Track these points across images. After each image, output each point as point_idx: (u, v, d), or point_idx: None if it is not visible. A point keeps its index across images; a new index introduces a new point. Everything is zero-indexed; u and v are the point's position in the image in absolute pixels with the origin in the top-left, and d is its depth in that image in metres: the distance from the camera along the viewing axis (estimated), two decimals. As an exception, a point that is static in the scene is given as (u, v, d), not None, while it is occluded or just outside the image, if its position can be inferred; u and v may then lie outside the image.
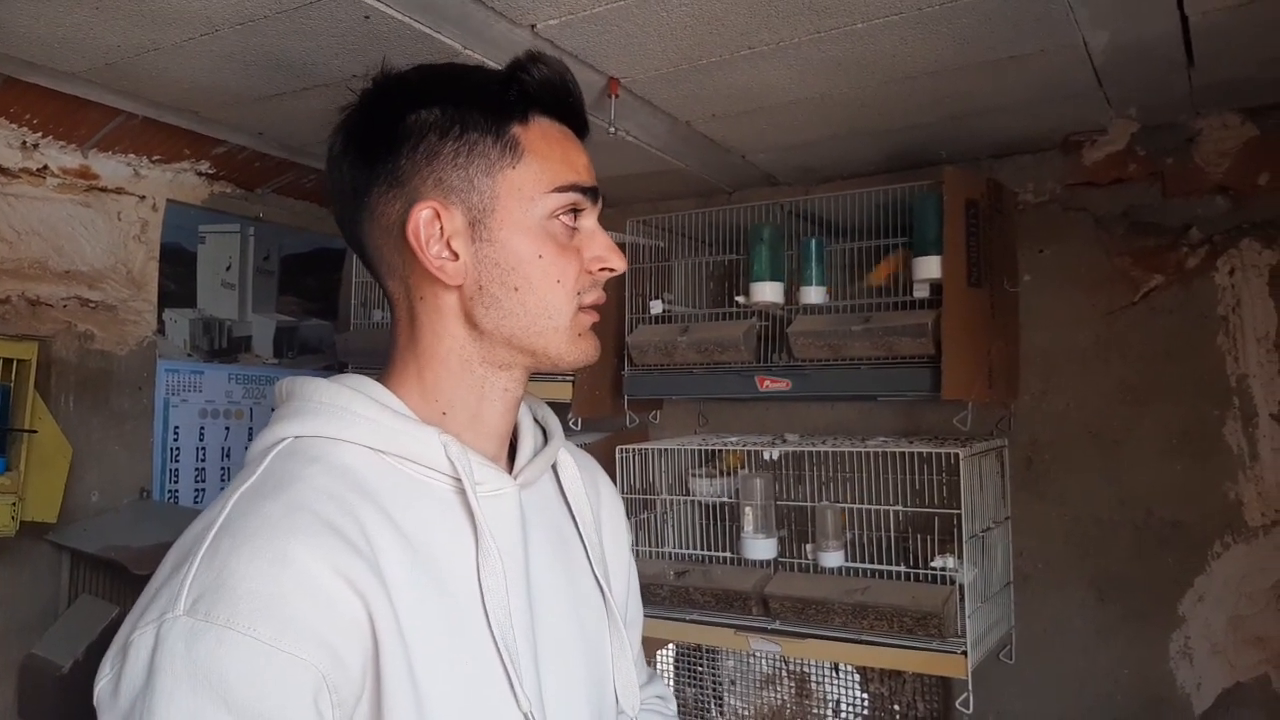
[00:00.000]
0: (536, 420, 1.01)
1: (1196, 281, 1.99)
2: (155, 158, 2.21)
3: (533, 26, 1.47)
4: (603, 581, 1.00)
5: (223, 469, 2.52)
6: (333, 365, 2.76)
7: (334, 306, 2.77)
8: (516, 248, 0.86)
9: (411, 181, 0.86)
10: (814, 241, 2.05)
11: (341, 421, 0.84)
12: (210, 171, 2.34)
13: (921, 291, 1.88)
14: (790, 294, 2.09)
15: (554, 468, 1.01)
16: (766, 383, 2.02)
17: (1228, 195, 1.96)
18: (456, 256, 0.86)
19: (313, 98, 1.80)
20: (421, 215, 0.85)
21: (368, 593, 0.74)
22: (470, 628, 0.81)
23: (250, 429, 2.60)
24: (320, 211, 2.68)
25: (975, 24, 1.49)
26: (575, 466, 1.03)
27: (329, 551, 0.73)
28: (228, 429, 2.54)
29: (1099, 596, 2.03)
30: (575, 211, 0.89)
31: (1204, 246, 1.98)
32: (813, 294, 2.04)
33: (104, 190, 2.19)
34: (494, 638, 0.81)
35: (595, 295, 0.91)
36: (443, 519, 0.84)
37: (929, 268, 1.85)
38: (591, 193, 0.90)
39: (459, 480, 0.84)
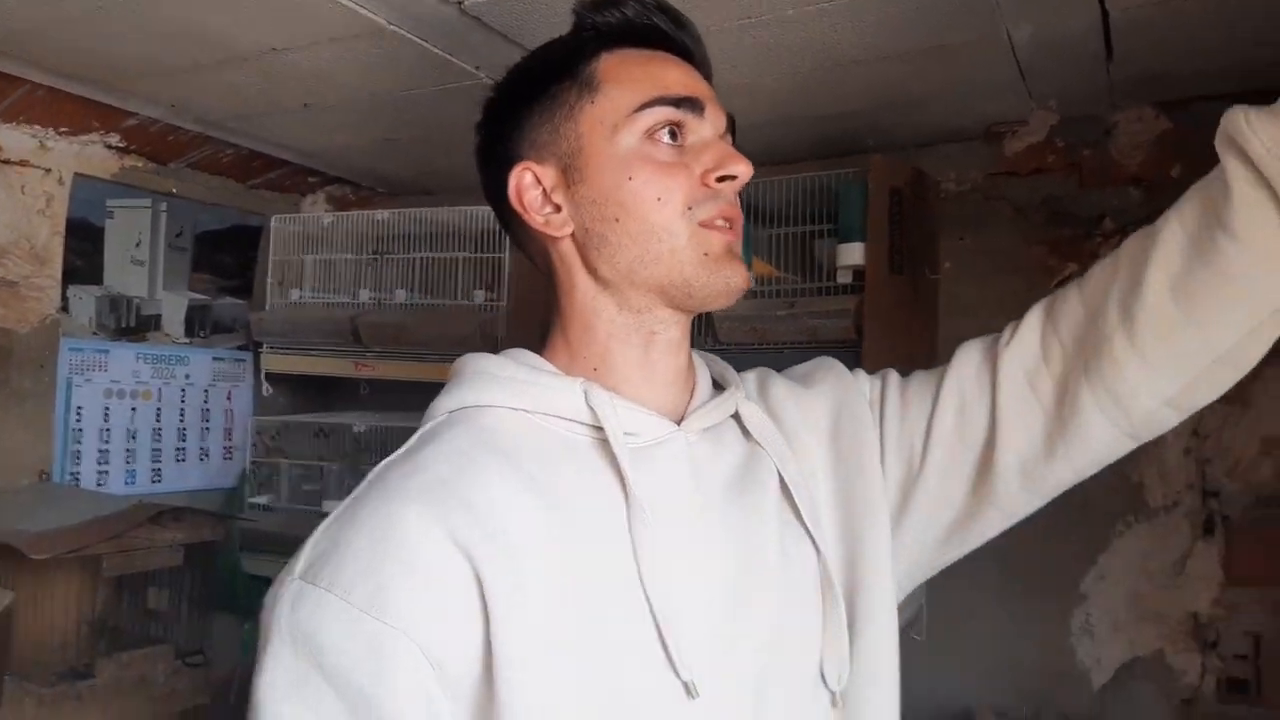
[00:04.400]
0: (714, 377, 0.94)
1: (1108, 271, 2.04)
2: (62, 130, 2.11)
3: (459, 2, 1.44)
4: (817, 537, 0.88)
5: (128, 450, 2.44)
6: (246, 345, 2.70)
7: (250, 285, 2.70)
8: (606, 178, 0.82)
9: (512, 154, 0.86)
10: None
11: (483, 387, 0.82)
12: (120, 145, 2.25)
13: (845, 277, 1.90)
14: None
15: (740, 421, 0.91)
16: (693, 367, 2.01)
17: (1141, 186, 2.01)
18: (559, 209, 0.84)
19: (230, 70, 1.74)
20: (522, 179, 0.84)
21: (480, 555, 0.70)
22: (620, 589, 0.75)
23: (158, 409, 2.52)
24: (237, 187, 2.60)
25: (904, 13, 1.50)
26: (759, 411, 0.91)
27: (439, 511, 0.71)
28: (134, 410, 2.45)
29: (1006, 575, 2.08)
30: (674, 128, 0.83)
31: (1116, 236, 2.04)
32: (739, 279, 2.04)
33: (6, 162, 2.09)
34: (647, 599, 0.75)
35: (716, 208, 0.82)
36: (590, 474, 0.79)
37: (853, 254, 1.87)
38: (689, 103, 0.83)
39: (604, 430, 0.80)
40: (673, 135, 0.82)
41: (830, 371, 0.99)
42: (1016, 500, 0.90)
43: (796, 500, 0.88)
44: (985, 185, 2.16)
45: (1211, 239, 0.78)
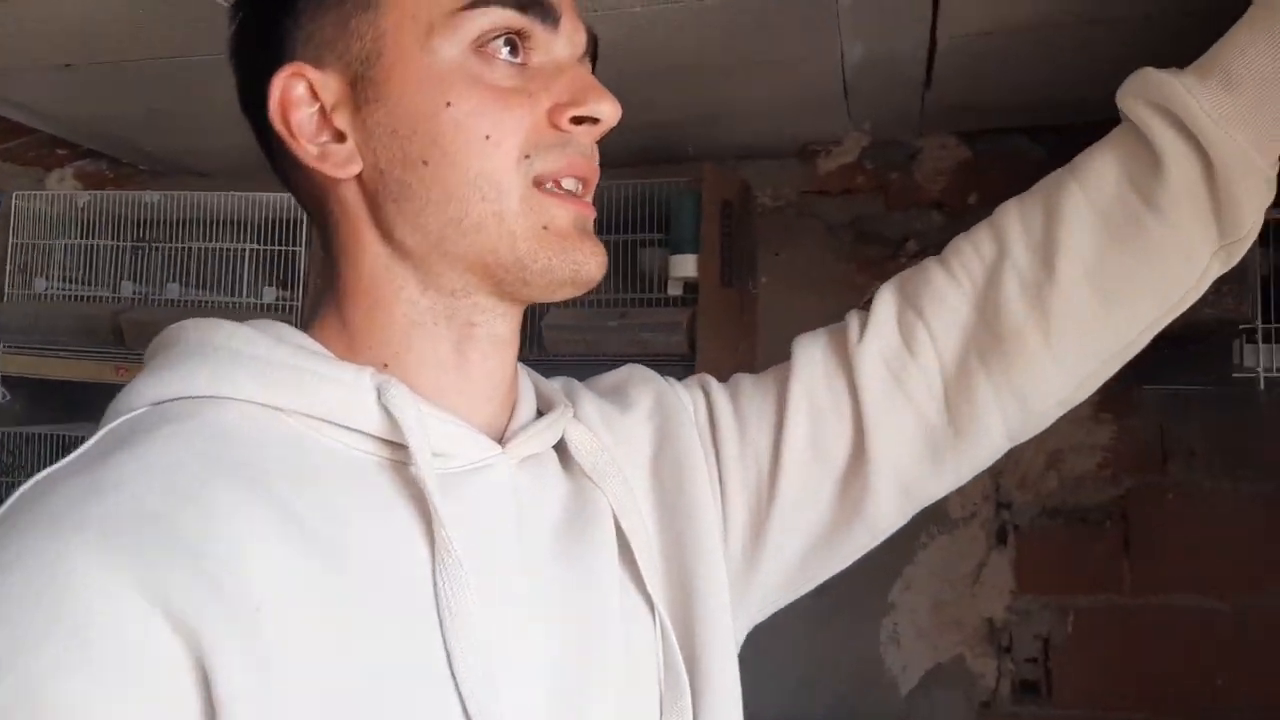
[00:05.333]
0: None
1: (912, 291, 2.12)
2: None
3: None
4: (655, 597, 0.69)
5: None
6: (-21, 344, 2.32)
7: (-18, 272, 2.34)
8: (415, 101, 0.58)
9: (280, 50, 0.61)
10: (568, 232, 1.97)
11: (217, 368, 0.56)
12: None
13: (676, 289, 1.87)
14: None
15: (561, 450, 0.71)
16: (511, 377, 1.92)
17: (942, 210, 2.11)
18: (343, 138, 0.60)
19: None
20: (289, 88, 0.59)
21: (210, 634, 0.46)
22: (420, 678, 0.54)
23: None
24: (-34, 155, 2.23)
25: (748, 24, 1.47)
26: (591, 437, 0.71)
27: (141, 561, 0.46)
28: None
29: (818, 589, 2.11)
30: (515, 39, 0.60)
31: (919, 258, 2.11)
32: (566, 287, 1.96)
33: None
34: (459, 692, 0.54)
35: (565, 159, 0.60)
36: (380, 510, 0.56)
37: (685, 266, 1.84)
38: (538, 8, 0.59)
39: (403, 448, 0.57)
40: (512, 50, 0.60)
41: (647, 386, 0.81)
42: (889, 517, 0.78)
43: (637, 556, 0.69)
44: (799, 202, 2.19)
45: (1133, 219, 0.70)
